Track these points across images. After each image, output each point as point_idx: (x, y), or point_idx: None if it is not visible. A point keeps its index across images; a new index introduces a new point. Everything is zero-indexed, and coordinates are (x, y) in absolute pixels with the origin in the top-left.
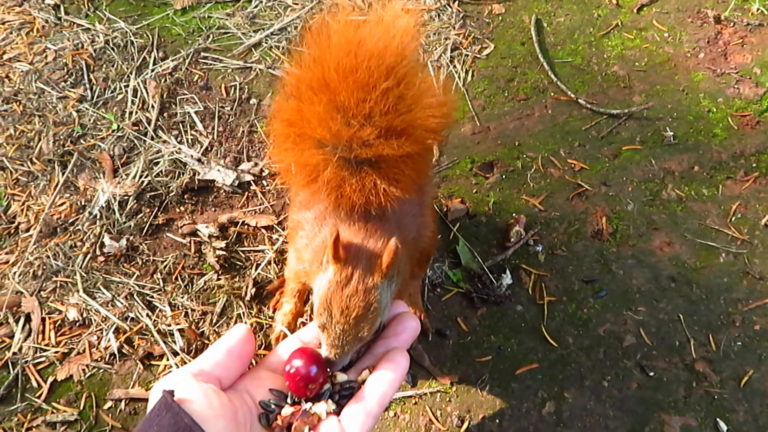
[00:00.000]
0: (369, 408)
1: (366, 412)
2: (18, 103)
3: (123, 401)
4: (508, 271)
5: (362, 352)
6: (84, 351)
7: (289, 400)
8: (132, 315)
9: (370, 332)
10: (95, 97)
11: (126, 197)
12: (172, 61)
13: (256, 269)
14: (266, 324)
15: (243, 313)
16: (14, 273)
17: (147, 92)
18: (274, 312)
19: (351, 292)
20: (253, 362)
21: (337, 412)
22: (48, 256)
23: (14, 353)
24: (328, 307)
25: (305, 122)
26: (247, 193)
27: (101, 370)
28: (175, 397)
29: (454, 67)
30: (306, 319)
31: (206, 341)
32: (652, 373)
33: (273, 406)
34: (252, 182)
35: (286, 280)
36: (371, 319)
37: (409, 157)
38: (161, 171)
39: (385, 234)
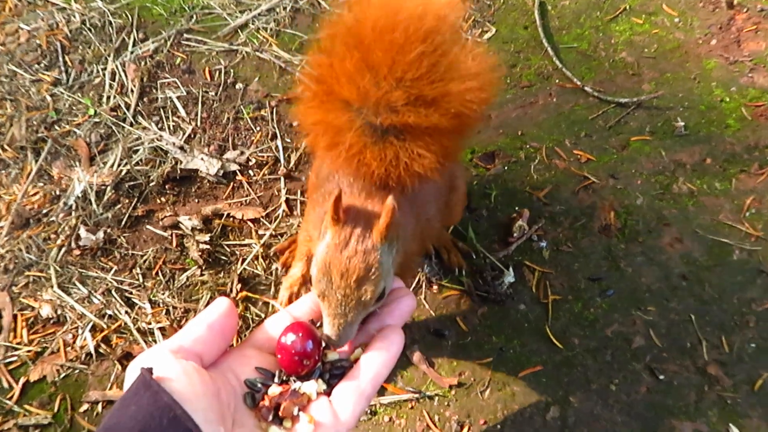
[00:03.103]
0: (362, 388)
1: (359, 392)
2: None
3: (100, 404)
4: (510, 268)
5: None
6: (58, 350)
7: (276, 379)
8: (110, 312)
9: (373, 296)
10: (71, 81)
11: (103, 187)
12: (153, 42)
13: (241, 264)
14: (254, 320)
15: None
16: None
17: (126, 76)
18: (283, 268)
19: (350, 253)
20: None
21: (328, 393)
22: (20, 249)
23: None
24: (327, 272)
25: (334, 79)
26: (232, 183)
27: (77, 371)
28: (154, 375)
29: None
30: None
31: None
32: (662, 377)
33: (259, 386)
34: (238, 172)
35: (298, 242)
36: (373, 281)
37: (437, 132)
38: (141, 159)
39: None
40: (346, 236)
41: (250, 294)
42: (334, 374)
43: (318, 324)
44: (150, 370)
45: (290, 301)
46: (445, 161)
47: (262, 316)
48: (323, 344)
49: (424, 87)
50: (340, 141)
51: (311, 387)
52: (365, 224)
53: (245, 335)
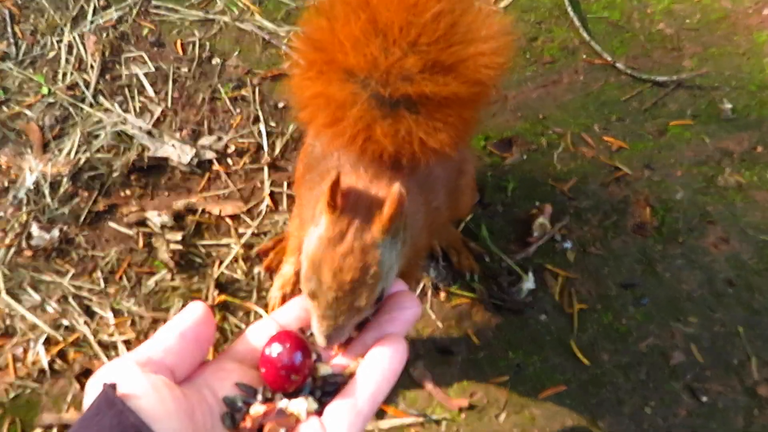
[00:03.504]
0: (359, 407)
1: (355, 411)
2: None
3: (55, 428)
4: (530, 273)
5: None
6: (7, 366)
7: (260, 397)
8: (66, 322)
9: (369, 301)
10: (21, 55)
11: (59, 178)
12: (116, 11)
13: (219, 267)
14: (233, 332)
15: None
16: None
17: (85, 49)
18: (267, 272)
19: (345, 249)
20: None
21: (319, 412)
22: None
23: None
24: (317, 270)
25: (336, 46)
26: (208, 174)
27: (28, 390)
28: (118, 392)
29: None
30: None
31: None
32: (704, 398)
33: (240, 404)
34: (214, 161)
35: (289, 234)
36: (370, 285)
37: (455, 103)
38: (102, 146)
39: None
40: (343, 228)
41: (229, 301)
42: (326, 391)
43: (309, 333)
44: (113, 386)
45: (283, 304)
46: (463, 136)
47: (243, 326)
48: (314, 357)
49: (441, 51)
50: (343, 116)
51: (300, 406)
52: (366, 213)
53: (223, 348)
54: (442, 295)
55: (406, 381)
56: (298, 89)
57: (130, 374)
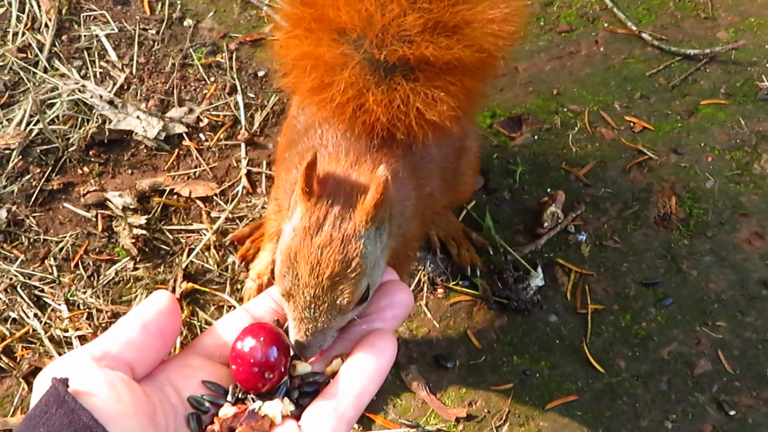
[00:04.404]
0: (341, 410)
1: (337, 415)
2: None
3: None
4: (539, 268)
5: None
6: None
7: (229, 397)
8: (14, 315)
9: (351, 299)
10: None
11: (7, 151)
12: None
13: (188, 256)
14: (202, 328)
15: None
16: None
17: (39, 6)
18: (242, 262)
19: (324, 241)
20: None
21: (297, 415)
22: None
23: None
24: (293, 265)
25: (327, 1)
26: (177, 150)
27: None
28: (70, 389)
29: None
30: None
31: None
32: (732, 412)
33: (207, 405)
34: (185, 135)
35: (267, 218)
36: (353, 279)
37: (458, 70)
38: (57, 116)
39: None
40: (320, 217)
41: (198, 292)
42: (304, 392)
43: (285, 326)
44: (65, 382)
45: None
46: (465, 109)
47: (214, 322)
48: (292, 353)
49: (444, 10)
50: (332, 81)
51: (275, 407)
52: (347, 200)
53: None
54: (440, 291)
55: (397, 387)
56: (283, 50)
57: (83, 369)
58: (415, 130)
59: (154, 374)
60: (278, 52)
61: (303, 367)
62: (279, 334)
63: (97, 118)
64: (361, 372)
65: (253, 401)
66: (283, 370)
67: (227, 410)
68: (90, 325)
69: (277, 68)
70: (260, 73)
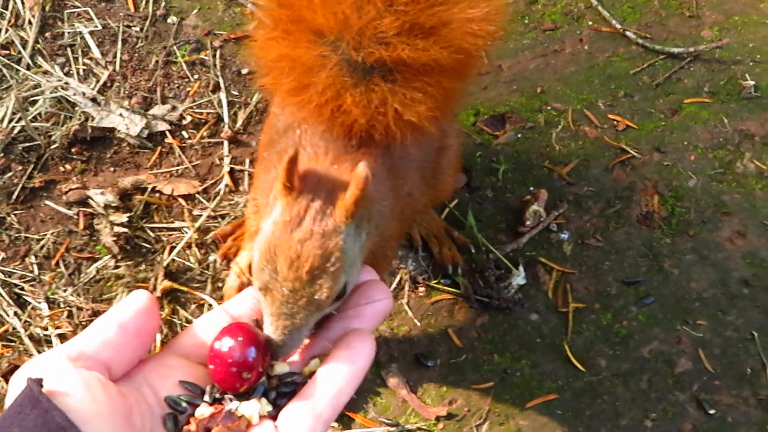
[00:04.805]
0: (318, 410)
1: (314, 415)
2: None
3: None
4: (521, 267)
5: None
6: None
7: (206, 397)
8: None
9: (330, 294)
10: None
11: None
12: None
13: (169, 254)
14: (183, 327)
15: None
16: None
17: (22, 3)
18: (224, 260)
19: (304, 235)
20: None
21: (274, 415)
22: None
23: None
24: (271, 259)
25: (304, 2)
26: (160, 148)
27: None
28: (44, 389)
29: None
30: None
31: None
32: (712, 411)
33: (184, 405)
34: (168, 133)
35: (247, 217)
36: (332, 274)
37: (435, 71)
38: (40, 113)
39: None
40: (300, 212)
41: (179, 291)
42: (282, 392)
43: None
44: (39, 382)
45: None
46: (443, 110)
47: (193, 320)
48: (270, 353)
49: (421, 12)
50: (310, 83)
51: (252, 408)
52: (327, 196)
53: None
54: (421, 289)
55: (377, 385)
56: (261, 51)
57: (59, 369)
58: (393, 130)
59: (131, 374)
60: (256, 53)
61: (281, 367)
62: (257, 334)
63: (80, 115)
64: (338, 372)
65: (231, 401)
66: (261, 370)
67: (204, 410)
68: (70, 324)
69: (256, 69)
70: (244, 71)
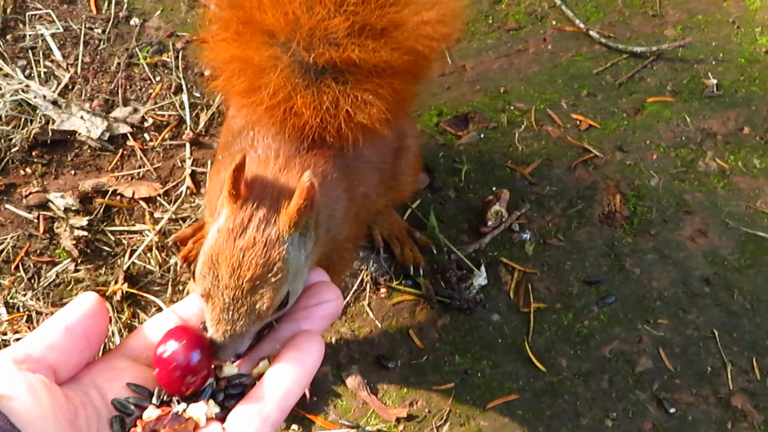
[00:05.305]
0: (266, 412)
1: (262, 417)
2: None
3: None
4: (482, 267)
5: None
6: None
7: (154, 399)
8: None
9: (271, 305)
10: None
11: None
12: None
13: (129, 257)
14: None
15: (110, 318)
16: None
17: None
18: (184, 263)
19: (246, 243)
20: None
21: (222, 417)
22: None
23: None
24: (214, 266)
25: (254, 3)
26: (121, 150)
27: None
28: None
29: None
30: None
31: None
32: (673, 410)
33: (131, 407)
34: (129, 135)
35: (205, 222)
36: (274, 284)
37: (387, 73)
38: (0, 117)
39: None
40: (244, 220)
41: (139, 295)
42: (230, 394)
43: None
44: None
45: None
46: (395, 111)
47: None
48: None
49: (371, 13)
50: (262, 84)
51: (199, 410)
52: (272, 204)
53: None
54: (383, 291)
55: (337, 387)
56: (213, 52)
57: (3, 373)
58: (345, 132)
59: (78, 377)
60: (208, 54)
61: (229, 369)
62: (202, 337)
63: (40, 118)
64: (286, 374)
65: (178, 403)
66: (205, 373)
67: (151, 412)
68: (30, 328)
69: (208, 70)
70: (206, 73)
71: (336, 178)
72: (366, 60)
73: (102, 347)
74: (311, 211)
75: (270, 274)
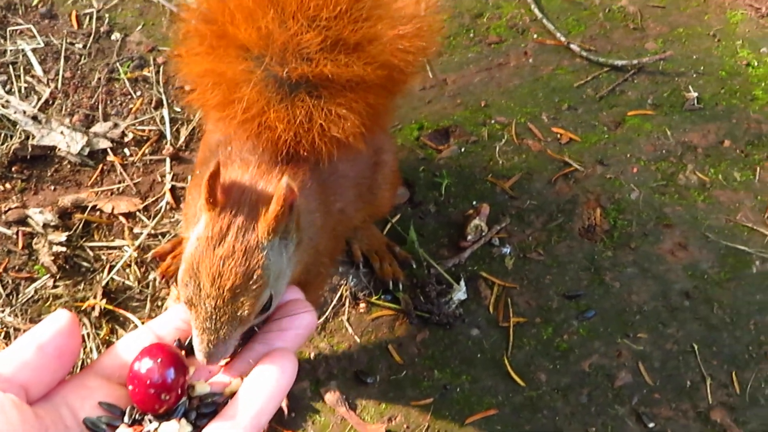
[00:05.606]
0: (239, 430)
1: None
2: None
3: None
4: (462, 281)
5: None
6: None
7: (126, 418)
8: None
9: (253, 311)
10: None
11: None
12: None
13: (108, 273)
14: None
15: (88, 333)
16: None
17: None
18: (163, 279)
19: (226, 252)
20: None
21: None
22: None
23: None
24: (195, 275)
25: (227, 17)
26: (101, 165)
27: None
28: None
29: None
30: None
31: None
32: (652, 424)
33: (103, 426)
34: (109, 151)
35: (184, 238)
36: (254, 291)
37: (360, 87)
38: None
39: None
40: (223, 228)
41: (117, 311)
42: (202, 413)
43: (187, 342)
44: None
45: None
46: (370, 126)
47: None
48: (190, 373)
49: (344, 28)
50: (236, 98)
51: (171, 428)
52: (251, 211)
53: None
54: (362, 306)
55: (316, 403)
56: (187, 67)
57: None
58: (319, 146)
59: (50, 395)
60: (182, 68)
61: (202, 388)
62: (177, 355)
63: (20, 133)
64: (259, 392)
65: (150, 422)
66: (180, 391)
67: (123, 431)
68: (7, 344)
69: (183, 84)
70: (187, 87)
71: (314, 189)
72: (339, 74)
73: (77, 364)
74: (291, 215)
75: (250, 282)
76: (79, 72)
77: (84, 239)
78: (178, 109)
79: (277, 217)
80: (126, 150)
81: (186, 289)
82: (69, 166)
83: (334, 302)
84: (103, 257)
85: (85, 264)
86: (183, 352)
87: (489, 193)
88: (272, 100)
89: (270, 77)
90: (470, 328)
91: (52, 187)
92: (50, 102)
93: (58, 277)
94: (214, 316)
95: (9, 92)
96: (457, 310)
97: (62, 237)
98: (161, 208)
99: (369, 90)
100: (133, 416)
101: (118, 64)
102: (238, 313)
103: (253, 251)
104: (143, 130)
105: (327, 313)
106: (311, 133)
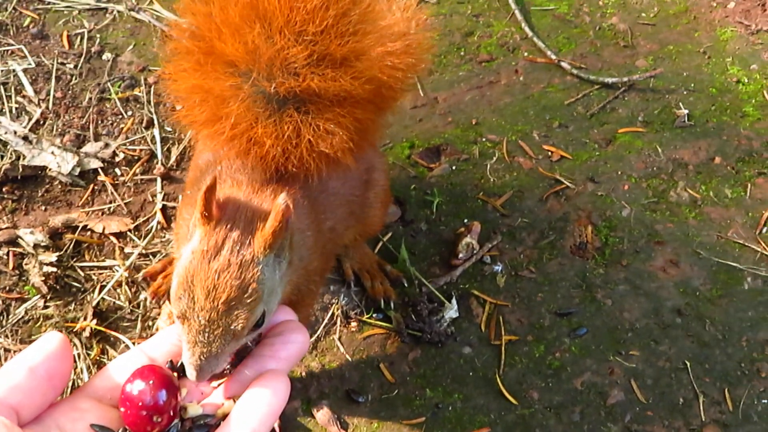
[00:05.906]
0: None
1: None
2: None
3: None
4: (454, 300)
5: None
6: None
7: None
8: None
9: (246, 325)
10: None
11: None
12: None
13: (99, 293)
14: None
15: (79, 354)
16: None
17: None
18: (154, 299)
19: (221, 265)
20: None
21: None
22: None
23: None
24: (189, 288)
25: (214, 33)
26: (92, 185)
27: None
28: None
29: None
30: None
31: None
32: None
33: None
34: (100, 170)
35: (174, 258)
36: (249, 305)
37: (348, 102)
38: None
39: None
40: (218, 242)
41: (108, 332)
42: None
43: (179, 364)
44: None
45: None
46: (359, 141)
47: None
48: (182, 395)
49: (330, 42)
50: (224, 114)
51: None
52: (246, 226)
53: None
54: (353, 324)
55: (308, 423)
56: (175, 83)
57: None
58: (308, 161)
59: (41, 417)
60: (170, 85)
61: (194, 410)
62: (169, 377)
63: (11, 154)
64: (252, 414)
65: None
66: (172, 413)
67: None
68: None
69: (171, 101)
70: (178, 107)
71: (305, 208)
72: (326, 89)
73: (68, 386)
74: (286, 233)
75: (245, 296)
76: (70, 92)
77: (75, 259)
78: (169, 129)
79: (274, 233)
80: (117, 170)
81: (179, 302)
82: (60, 186)
83: (326, 321)
84: (94, 277)
85: (75, 284)
86: (175, 374)
87: (480, 211)
88: (260, 115)
89: (258, 92)
90: (462, 347)
91: (43, 208)
92: (41, 122)
93: (48, 297)
94: (207, 329)
95: (0, 112)
96: (449, 328)
97: (53, 257)
98: (152, 227)
99: (357, 105)
100: None
101: (109, 84)
102: (232, 327)
103: (249, 265)
104: (134, 150)
105: (318, 332)
106: (299, 149)
